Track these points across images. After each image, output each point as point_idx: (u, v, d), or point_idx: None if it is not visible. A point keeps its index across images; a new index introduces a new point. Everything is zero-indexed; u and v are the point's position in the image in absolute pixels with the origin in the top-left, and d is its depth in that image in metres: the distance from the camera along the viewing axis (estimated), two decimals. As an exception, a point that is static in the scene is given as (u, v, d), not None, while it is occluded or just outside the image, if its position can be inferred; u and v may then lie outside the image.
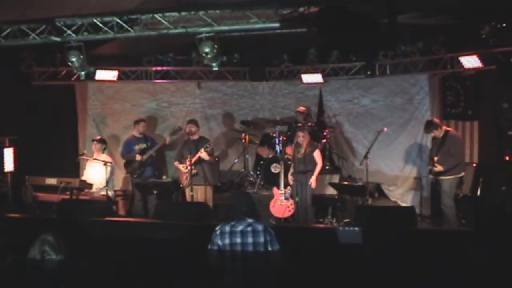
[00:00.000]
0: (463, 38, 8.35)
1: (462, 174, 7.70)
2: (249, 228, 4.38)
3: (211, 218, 6.49)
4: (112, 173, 8.39)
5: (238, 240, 4.36)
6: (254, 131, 10.47)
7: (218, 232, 4.43)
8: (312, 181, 7.96)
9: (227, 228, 4.41)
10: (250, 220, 4.42)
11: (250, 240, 4.36)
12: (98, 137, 8.86)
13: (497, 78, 7.80)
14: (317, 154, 8.05)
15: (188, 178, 8.07)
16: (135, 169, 8.82)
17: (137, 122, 9.07)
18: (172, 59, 9.99)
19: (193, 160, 7.98)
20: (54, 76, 9.50)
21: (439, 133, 7.70)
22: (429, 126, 7.78)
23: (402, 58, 9.28)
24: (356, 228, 5.41)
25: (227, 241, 4.37)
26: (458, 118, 8.94)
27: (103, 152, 8.63)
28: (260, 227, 4.41)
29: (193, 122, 8.48)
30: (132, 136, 9.05)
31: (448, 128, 7.89)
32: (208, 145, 8.02)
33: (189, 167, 7.98)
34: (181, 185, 8.38)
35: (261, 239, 4.37)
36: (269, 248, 4.37)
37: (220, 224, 4.50)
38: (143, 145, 8.89)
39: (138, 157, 8.72)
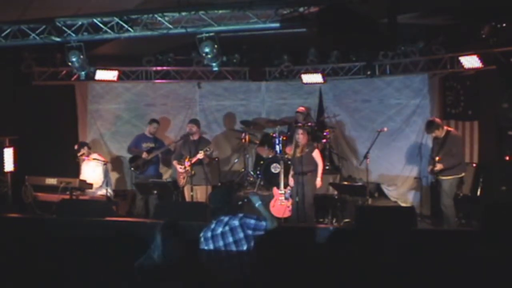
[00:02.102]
0: (463, 38, 8.35)
1: (463, 174, 7.69)
2: (227, 228, 4.36)
3: (210, 218, 6.48)
4: (106, 172, 8.43)
5: (221, 243, 4.34)
6: (254, 131, 10.47)
7: (202, 239, 4.42)
8: (318, 182, 7.89)
9: (209, 234, 4.40)
10: (226, 219, 4.39)
11: (230, 239, 4.35)
12: (75, 146, 8.72)
13: (497, 78, 7.79)
14: (316, 154, 7.98)
15: (185, 178, 8.05)
16: (138, 165, 8.90)
17: (150, 122, 9.19)
18: (172, 59, 10.00)
19: (193, 160, 7.94)
20: (54, 76, 9.49)
21: (440, 133, 7.68)
22: (431, 126, 7.75)
23: (402, 58, 9.29)
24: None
25: (211, 246, 4.37)
26: (458, 118, 8.93)
27: (92, 153, 8.67)
28: (236, 223, 4.37)
29: (194, 122, 8.44)
30: (143, 134, 9.19)
31: (449, 128, 7.88)
32: (208, 149, 7.93)
33: (187, 167, 7.96)
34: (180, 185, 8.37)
35: (241, 235, 4.35)
36: (258, 234, 4.37)
37: (203, 229, 4.51)
38: (151, 145, 8.97)
39: (144, 155, 8.82)
